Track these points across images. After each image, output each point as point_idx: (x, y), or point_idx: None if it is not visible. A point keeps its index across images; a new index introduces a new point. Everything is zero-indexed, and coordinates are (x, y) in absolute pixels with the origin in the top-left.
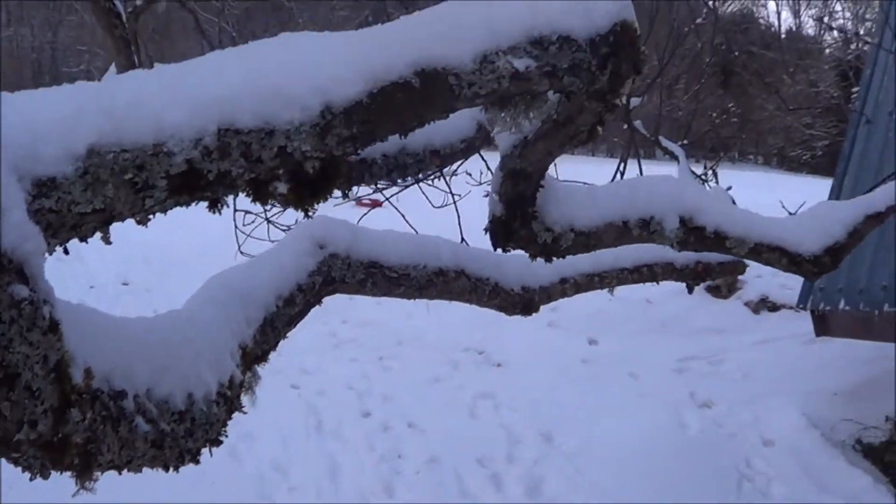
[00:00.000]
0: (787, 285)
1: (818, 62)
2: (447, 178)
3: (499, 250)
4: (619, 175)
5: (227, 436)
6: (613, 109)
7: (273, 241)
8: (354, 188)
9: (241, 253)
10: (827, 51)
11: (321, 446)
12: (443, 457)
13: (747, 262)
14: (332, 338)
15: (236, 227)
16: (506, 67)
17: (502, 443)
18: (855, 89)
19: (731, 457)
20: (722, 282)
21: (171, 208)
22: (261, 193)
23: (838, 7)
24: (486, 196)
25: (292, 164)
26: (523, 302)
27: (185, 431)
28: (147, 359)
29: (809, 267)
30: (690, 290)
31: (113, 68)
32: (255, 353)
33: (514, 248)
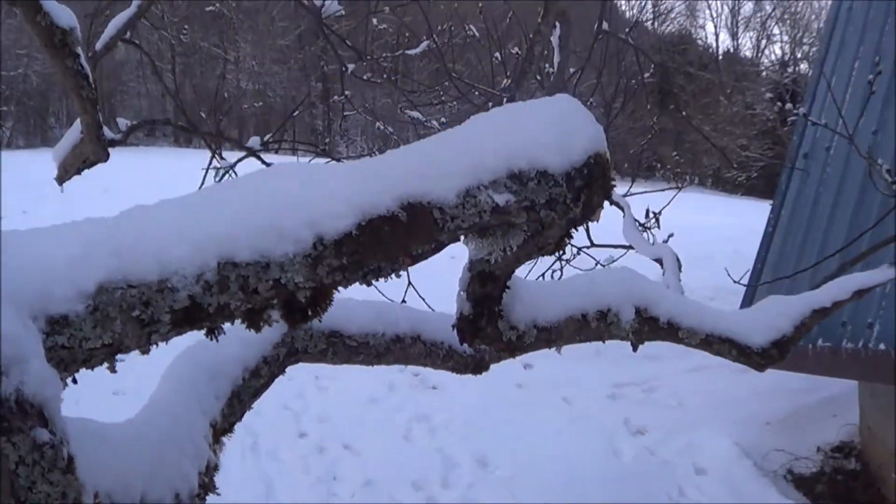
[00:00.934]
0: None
1: (755, 84)
2: None
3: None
4: None
5: None
6: (580, 226)
7: None
8: None
9: None
10: (764, 73)
11: (257, 466)
12: (378, 480)
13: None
14: None
15: None
16: (487, 202)
17: (437, 466)
18: (791, 109)
19: (664, 485)
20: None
21: (172, 338)
22: (255, 322)
23: (776, 31)
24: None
25: (286, 294)
26: (474, 363)
27: None
28: (138, 466)
29: (757, 359)
30: (635, 349)
31: (77, 124)
32: (223, 427)
33: (480, 344)
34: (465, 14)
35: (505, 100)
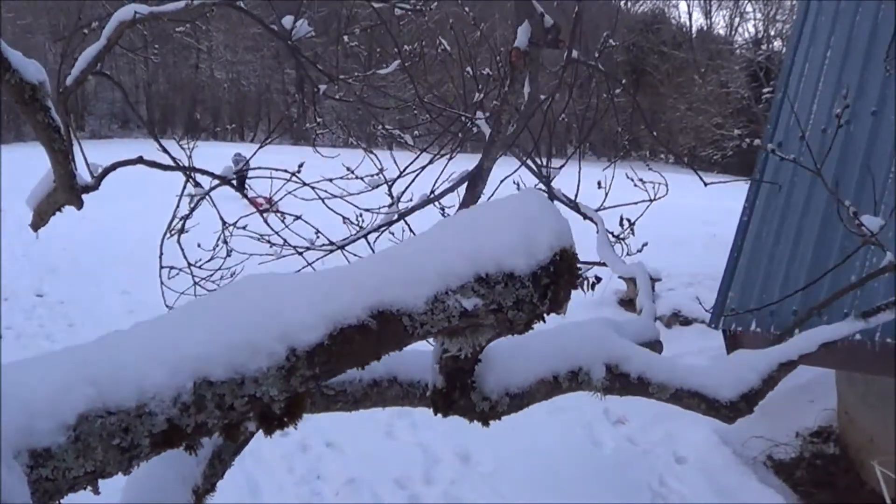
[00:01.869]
0: (699, 297)
1: (729, 62)
2: (371, 245)
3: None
4: None
5: None
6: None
7: (197, 295)
8: None
9: (167, 307)
10: (737, 51)
11: (240, 467)
12: (361, 477)
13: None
14: None
15: (162, 283)
16: (455, 307)
17: (420, 462)
18: (766, 90)
19: (645, 475)
20: (636, 296)
21: (151, 458)
22: (232, 435)
23: (749, 8)
24: None
25: (261, 406)
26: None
27: None
28: None
29: (726, 412)
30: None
31: (50, 172)
32: (205, 489)
33: (453, 415)
34: (436, 28)
35: (477, 125)
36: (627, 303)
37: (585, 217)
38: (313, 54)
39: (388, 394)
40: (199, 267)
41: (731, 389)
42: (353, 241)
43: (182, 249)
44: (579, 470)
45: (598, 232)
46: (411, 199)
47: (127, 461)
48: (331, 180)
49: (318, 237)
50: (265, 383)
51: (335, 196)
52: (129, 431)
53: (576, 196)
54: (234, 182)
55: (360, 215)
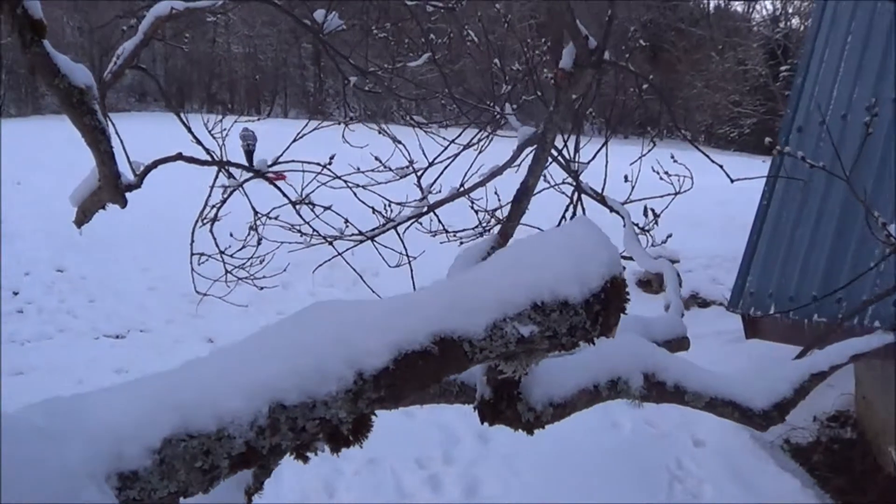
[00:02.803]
0: (717, 280)
1: (746, 40)
2: (401, 236)
3: None
4: (566, 220)
5: None
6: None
7: (228, 282)
8: None
9: (198, 293)
10: (755, 28)
11: None
12: (381, 457)
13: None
14: None
15: (193, 269)
16: (513, 334)
17: (439, 443)
18: (783, 67)
19: (663, 457)
20: (653, 277)
21: (229, 477)
22: (303, 455)
23: None
24: (442, 244)
25: (331, 428)
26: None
27: None
28: None
29: (759, 420)
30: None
31: (95, 171)
32: (255, 487)
33: (499, 424)
34: (464, 20)
35: (504, 118)
36: (646, 284)
37: (612, 210)
38: (341, 43)
39: (427, 393)
40: (232, 256)
41: (764, 399)
42: (383, 231)
43: (214, 238)
44: (597, 451)
45: (624, 225)
46: (440, 190)
47: (208, 482)
48: (361, 171)
49: (347, 227)
50: (334, 406)
51: (360, 186)
52: (210, 454)
53: (602, 189)
54: (268, 175)
55: (389, 205)
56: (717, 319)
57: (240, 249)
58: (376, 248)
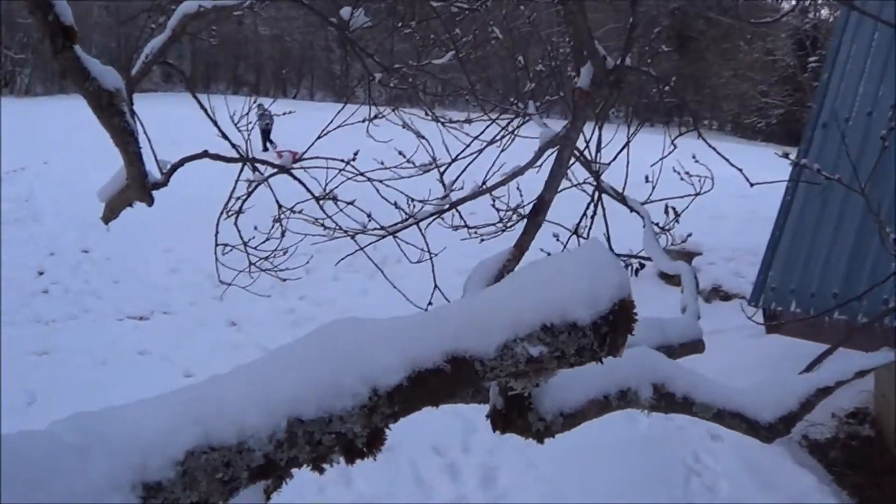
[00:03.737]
0: (740, 273)
1: (775, 30)
2: (423, 232)
3: None
4: (587, 219)
5: None
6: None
7: (252, 273)
8: None
9: (222, 282)
10: (784, 18)
11: None
12: (399, 444)
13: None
14: (291, 314)
15: (217, 259)
16: (522, 354)
17: (458, 431)
18: (811, 58)
19: (680, 451)
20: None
21: (248, 487)
22: (319, 467)
23: None
24: (463, 240)
25: (346, 442)
26: None
27: None
28: None
29: (765, 433)
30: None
31: (123, 170)
32: (274, 486)
33: (510, 433)
34: (489, 18)
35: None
36: (668, 276)
37: (632, 210)
38: (367, 39)
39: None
40: (255, 248)
41: (771, 412)
42: (405, 227)
43: (238, 230)
44: (614, 444)
45: (644, 226)
46: (462, 187)
47: (228, 492)
48: (386, 167)
49: (369, 221)
50: (350, 421)
51: (382, 181)
52: (230, 466)
53: (623, 189)
54: (292, 171)
55: (412, 201)
56: (738, 313)
57: (263, 242)
58: (397, 244)
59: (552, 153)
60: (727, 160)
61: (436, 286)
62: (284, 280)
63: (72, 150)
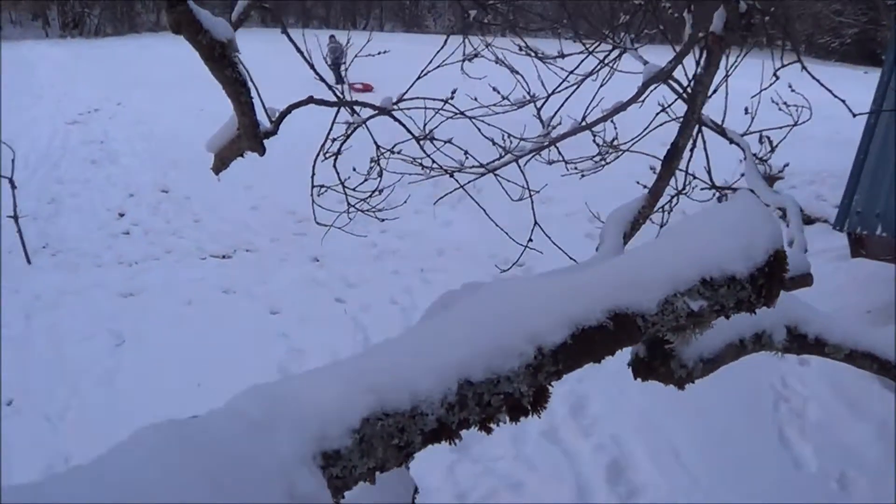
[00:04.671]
0: (822, 196)
1: None
2: (522, 168)
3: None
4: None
5: None
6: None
7: (350, 215)
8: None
9: (318, 223)
10: None
11: None
12: None
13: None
14: (373, 248)
15: (314, 201)
16: (683, 308)
17: None
18: None
19: (768, 375)
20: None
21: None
22: (487, 427)
23: None
24: (563, 176)
25: (513, 402)
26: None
27: None
28: None
29: None
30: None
31: (232, 120)
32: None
33: (652, 380)
34: None
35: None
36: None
37: (732, 142)
38: None
39: None
40: (354, 189)
41: None
42: (504, 164)
43: (337, 172)
44: None
45: (744, 158)
46: (560, 123)
47: (403, 457)
48: (485, 106)
49: (467, 159)
50: (516, 381)
51: (478, 118)
52: (405, 431)
53: (723, 121)
54: (392, 112)
55: (508, 137)
56: (821, 237)
57: (362, 182)
58: (498, 181)
59: (655, 88)
60: (830, 91)
61: (535, 223)
62: (383, 220)
63: (144, 90)
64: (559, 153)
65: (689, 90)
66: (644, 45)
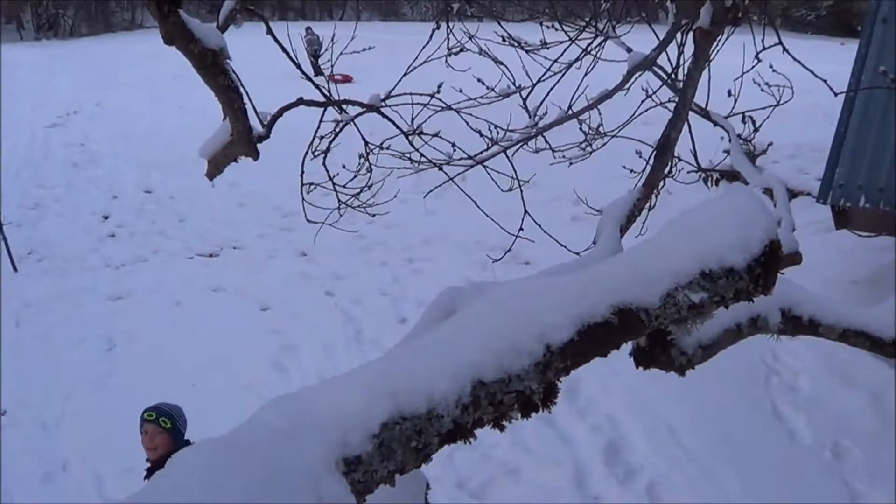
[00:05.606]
0: (804, 169)
1: None
2: (510, 158)
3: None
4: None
5: None
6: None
7: (341, 211)
8: None
9: (309, 221)
10: None
11: (362, 356)
12: None
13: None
14: (361, 240)
15: (303, 198)
16: (684, 301)
17: None
18: None
19: (757, 348)
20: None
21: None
22: (500, 425)
23: None
24: (552, 164)
25: (524, 399)
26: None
27: None
28: None
29: (891, 350)
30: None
31: (225, 125)
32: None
33: (653, 368)
34: None
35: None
36: (733, 177)
37: (716, 125)
38: None
39: None
40: (344, 186)
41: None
42: (492, 156)
43: (326, 169)
44: None
45: (730, 140)
46: (546, 112)
47: (421, 458)
48: (472, 98)
49: (454, 151)
50: (527, 378)
51: (463, 110)
52: (422, 433)
53: (706, 104)
54: (380, 109)
55: (495, 127)
56: (805, 211)
57: (351, 179)
58: (487, 172)
59: (639, 76)
60: (812, 72)
61: (525, 212)
62: (374, 216)
63: (122, 90)
64: (546, 142)
65: (673, 76)
66: (627, 29)
